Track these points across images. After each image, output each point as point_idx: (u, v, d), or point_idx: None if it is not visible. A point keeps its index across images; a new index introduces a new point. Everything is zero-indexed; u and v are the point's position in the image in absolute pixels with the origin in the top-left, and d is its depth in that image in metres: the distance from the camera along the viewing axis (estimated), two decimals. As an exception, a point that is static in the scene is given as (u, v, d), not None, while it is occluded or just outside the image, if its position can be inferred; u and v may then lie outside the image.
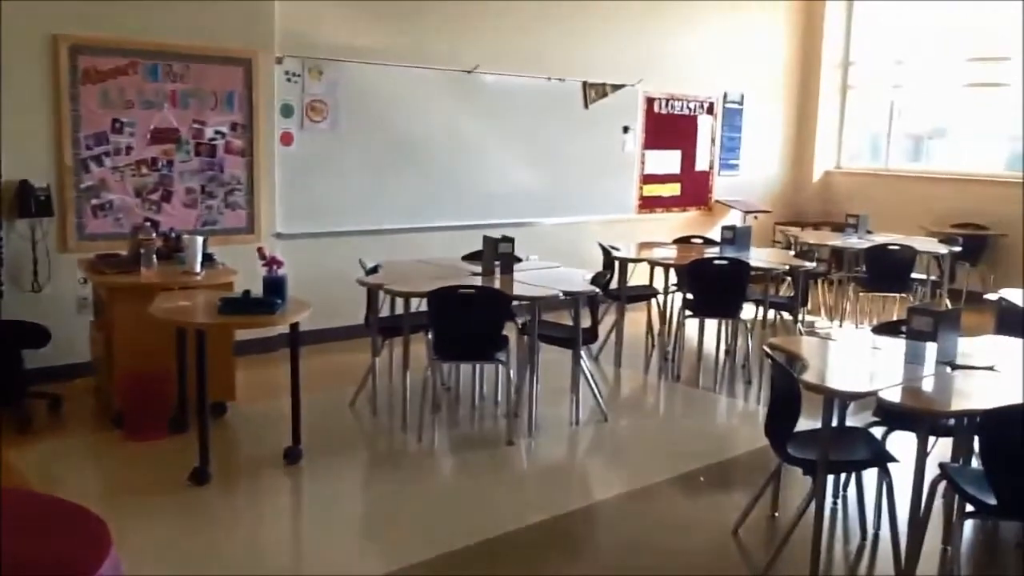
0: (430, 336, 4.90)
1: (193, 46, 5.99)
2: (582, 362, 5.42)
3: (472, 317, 4.80)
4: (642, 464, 4.77)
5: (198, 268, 5.01)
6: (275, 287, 4.29)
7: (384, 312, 5.48)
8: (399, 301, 5.23)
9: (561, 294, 5.03)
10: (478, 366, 5.70)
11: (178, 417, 4.82)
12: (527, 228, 7.96)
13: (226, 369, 5.03)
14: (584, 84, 8.31)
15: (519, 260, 5.80)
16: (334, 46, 6.73)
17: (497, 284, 5.24)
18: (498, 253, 5.48)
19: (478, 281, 5.26)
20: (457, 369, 5.87)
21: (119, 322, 4.79)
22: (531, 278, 5.41)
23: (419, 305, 5.03)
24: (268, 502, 4.16)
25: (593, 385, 5.50)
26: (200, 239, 5.10)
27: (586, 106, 8.37)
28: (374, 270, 5.50)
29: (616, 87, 8.54)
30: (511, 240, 5.53)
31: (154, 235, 5.10)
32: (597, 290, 5.29)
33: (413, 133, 7.25)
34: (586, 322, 5.42)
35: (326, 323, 6.42)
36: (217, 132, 6.20)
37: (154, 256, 5.00)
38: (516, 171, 7.97)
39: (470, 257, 5.98)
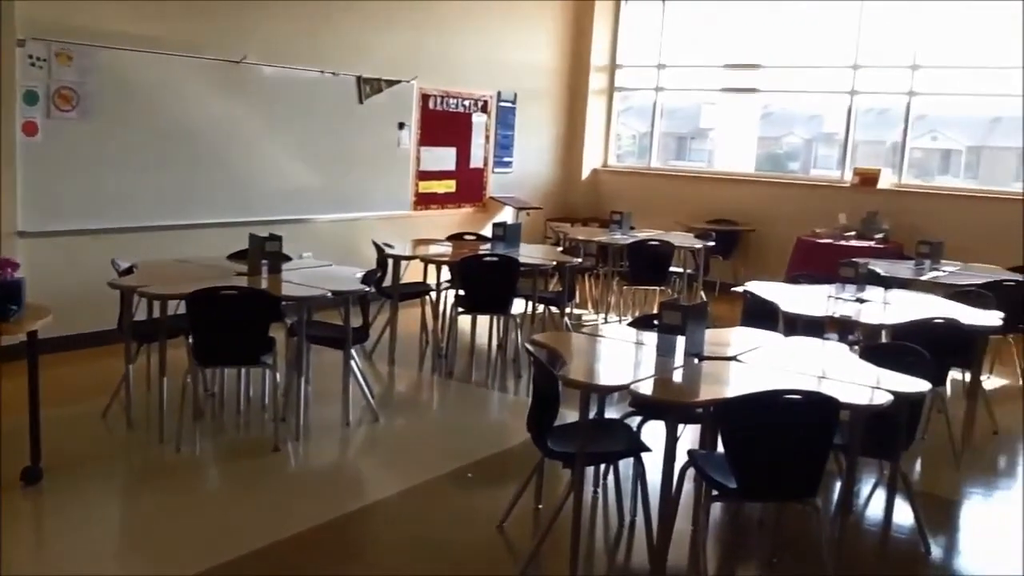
0: (191, 340, 4.67)
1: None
2: (354, 362, 5.34)
3: (235, 319, 4.61)
4: (414, 462, 4.75)
5: (-80, 272, 4.51)
6: (8, 292, 3.93)
7: (142, 316, 5.16)
8: (157, 304, 4.94)
9: (329, 294, 4.93)
10: (244, 370, 5.48)
11: (-102, 438, 4.33)
12: (301, 225, 7.77)
13: (-45, 383, 4.57)
14: (359, 79, 8.19)
15: (288, 259, 5.64)
16: (86, 30, 6.26)
17: (264, 284, 5.07)
18: (265, 252, 5.30)
19: (243, 281, 5.06)
20: (222, 374, 5.62)
21: None
22: (300, 277, 5.27)
23: (179, 308, 4.78)
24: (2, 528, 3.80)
25: (364, 385, 5.43)
26: (-77, 239, 4.61)
27: (360, 101, 8.27)
28: (129, 271, 5.18)
29: (391, 83, 8.48)
30: (278, 238, 5.37)
31: None
32: (367, 288, 5.21)
33: (177, 125, 6.87)
34: (357, 321, 5.35)
35: (77, 328, 5.99)
36: (-54, 121, 5.62)
37: None
38: (289, 166, 7.74)
39: (237, 256, 5.74)
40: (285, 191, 7.71)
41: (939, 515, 4.40)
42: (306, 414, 5.16)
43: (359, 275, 5.41)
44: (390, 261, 6.57)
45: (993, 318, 5.08)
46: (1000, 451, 5.47)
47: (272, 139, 7.58)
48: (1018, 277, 6.55)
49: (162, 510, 4.02)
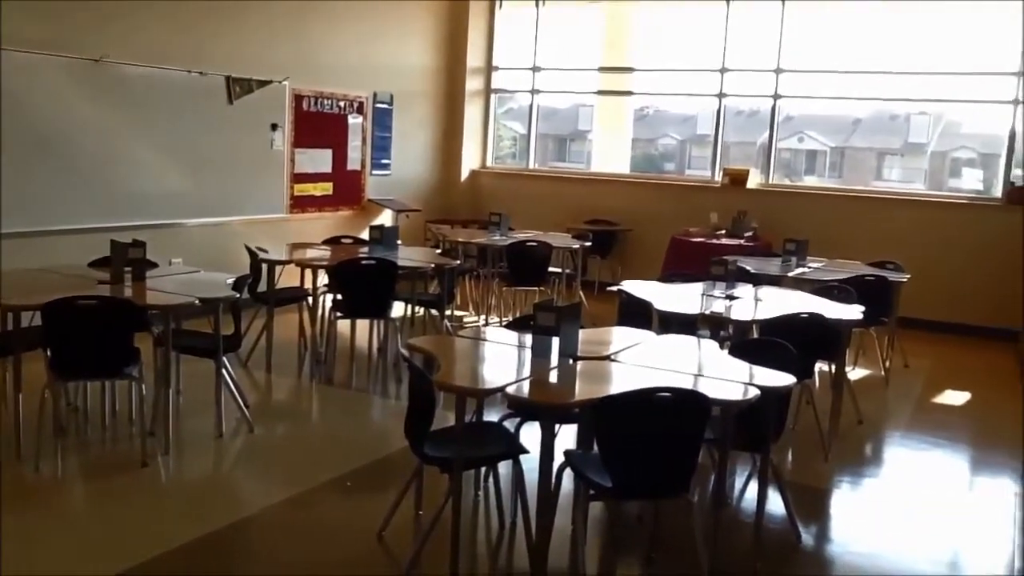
0: (49, 353, 4.43)
1: None
2: (226, 371, 5.16)
3: (95, 330, 4.39)
4: (291, 472, 4.63)
5: None
6: None
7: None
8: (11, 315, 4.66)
9: (197, 301, 4.75)
10: (109, 383, 5.23)
11: None
12: (170, 230, 7.50)
13: None
14: (228, 79, 7.95)
15: (154, 265, 5.43)
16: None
17: (128, 292, 4.86)
18: (129, 258, 5.08)
19: (106, 290, 4.84)
20: (86, 387, 5.35)
21: None
22: (167, 284, 5.08)
23: (34, 319, 4.52)
24: None
25: (237, 394, 5.25)
26: None
27: (230, 101, 8.03)
28: (-21, 281, 4.87)
29: (262, 83, 8.27)
30: (142, 244, 5.16)
31: None
32: (237, 295, 5.05)
33: (31, 127, 6.50)
34: (230, 329, 5.18)
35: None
36: None
37: None
38: (155, 169, 7.45)
39: (99, 263, 5.49)
40: (152, 195, 7.41)
41: (810, 504, 4.55)
42: (176, 427, 4.97)
43: (230, 281, 5.23)
44: (264, 266, 6.41)
45: (855, 312, 5.29)
46: (865, 439, 5.70)
47: (137, 141, 7.28)
48: (878, 272, 6.87)
49: (21, 533, 3.78)
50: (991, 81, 8.83)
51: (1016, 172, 8.84)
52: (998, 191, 8.88)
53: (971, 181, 11.69)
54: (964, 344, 8.36)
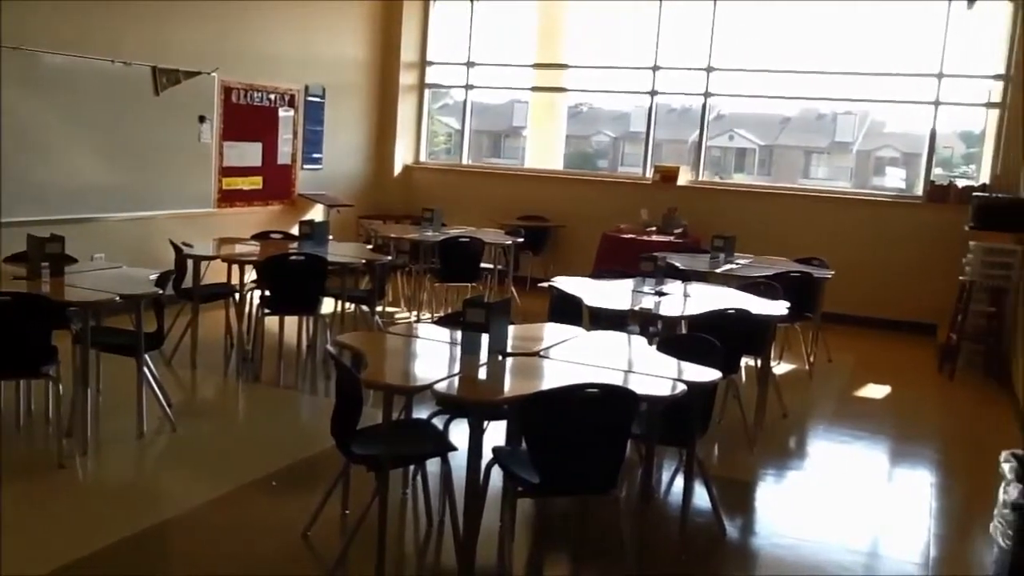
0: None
1: None
2: (149, 369, 5.04)
3: (9, 327, 4.25)
4: (216, 472, 4.54)
5: None
6: None
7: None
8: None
9: (117, 297, 4.63)
10: (24, 382, 5.06)
11: None
12: (92, 224, 7.30)
13: None
14: (154, 69, 7.77)
15: (73, 260, 5.28)
16: None
17: (46, 288, 4.71)
18: (46, 253, 4.93)
19: (22, 286, 4.69)
20: None
21: None
22: (87, 280, 4.95)
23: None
24: None
25: (159, 393, 5.13)
26: None
27: (157, 93, 7.84)
28: None
29: (190, 74, 8.09)
30: (60, 238, 5.01)
31: None
32: (160, 291, 4.94)
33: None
34: (152, 326, 5.06)
35: None
36: None
37: None
38: (77, 162, 7.23)
39: (14, 259, 5.32)
40: (72, 188, 7.20)
41: (735, 496, 4.62)
42: (95, 427, 4.84)
43: (153, 277, 5.11)
44: (189, 261, 6.27)
45: (780, 308, 5.38)
46: (790, 433, 5.80)
47: (56, 132, 7.06)
48: (803, 268, 7.00)
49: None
50: (913, 82, 9.06)
51: (936, 171, 9.10)
52: (919, 189, 9.12)
53: (894, 179, 12.01)
54: (885, 338, 8.58)
